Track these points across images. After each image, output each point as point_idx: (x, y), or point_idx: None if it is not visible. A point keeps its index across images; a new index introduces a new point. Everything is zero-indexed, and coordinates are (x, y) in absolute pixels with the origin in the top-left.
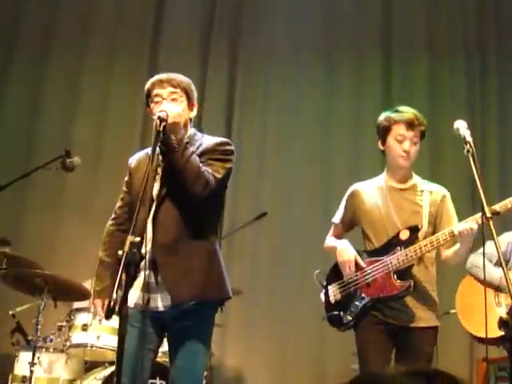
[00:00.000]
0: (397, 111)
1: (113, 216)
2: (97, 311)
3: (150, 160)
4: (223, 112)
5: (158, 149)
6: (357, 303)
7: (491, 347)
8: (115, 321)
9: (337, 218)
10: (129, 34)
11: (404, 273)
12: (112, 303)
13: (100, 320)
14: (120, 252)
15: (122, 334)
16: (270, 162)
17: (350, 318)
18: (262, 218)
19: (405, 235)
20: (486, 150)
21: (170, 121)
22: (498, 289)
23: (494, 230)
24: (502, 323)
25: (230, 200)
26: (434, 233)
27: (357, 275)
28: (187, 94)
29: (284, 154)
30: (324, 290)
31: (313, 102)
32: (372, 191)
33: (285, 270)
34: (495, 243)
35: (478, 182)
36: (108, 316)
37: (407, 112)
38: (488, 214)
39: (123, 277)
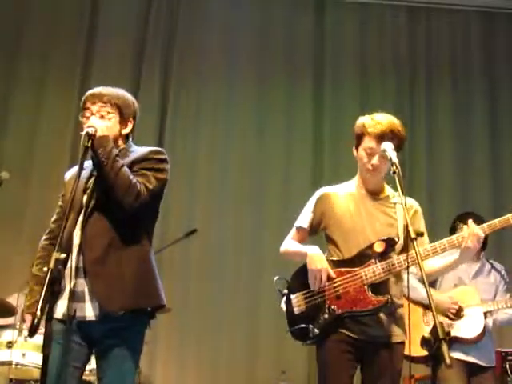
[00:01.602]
0: (372, 119)
1: (47, 230)
2: (26, 326)
3: (76, 177)
4: (155, 125)
5: (90, 161)
6: (326, 316)
7: (419, 365)
8: (41, 338)
9: (303, 222)
10: (62, 48)
11: (378, 287)
12: (36, 320)
13: (25, 337)
14: (45, 269)
15: (46, 352)
16: (202, 176)
17: (317, 331)
18: (192, 235)
19: (380, 247)
20: (414, 169)
21: (98, 134)
22: (427, 308)
23: (418, 251)
24: (425, 342)
25: (160, 216)
26: (405, 247)
27: (326, 286)
28: (119, 109)
29: (216, 169)
30: (285, 299)
31: (245, 119)
32: (343, 197)
33: (215, 287)
34: (419, 264)
35: (404, 202)
36: (31, 334)
37: (382, 123)
38: (412, 235)
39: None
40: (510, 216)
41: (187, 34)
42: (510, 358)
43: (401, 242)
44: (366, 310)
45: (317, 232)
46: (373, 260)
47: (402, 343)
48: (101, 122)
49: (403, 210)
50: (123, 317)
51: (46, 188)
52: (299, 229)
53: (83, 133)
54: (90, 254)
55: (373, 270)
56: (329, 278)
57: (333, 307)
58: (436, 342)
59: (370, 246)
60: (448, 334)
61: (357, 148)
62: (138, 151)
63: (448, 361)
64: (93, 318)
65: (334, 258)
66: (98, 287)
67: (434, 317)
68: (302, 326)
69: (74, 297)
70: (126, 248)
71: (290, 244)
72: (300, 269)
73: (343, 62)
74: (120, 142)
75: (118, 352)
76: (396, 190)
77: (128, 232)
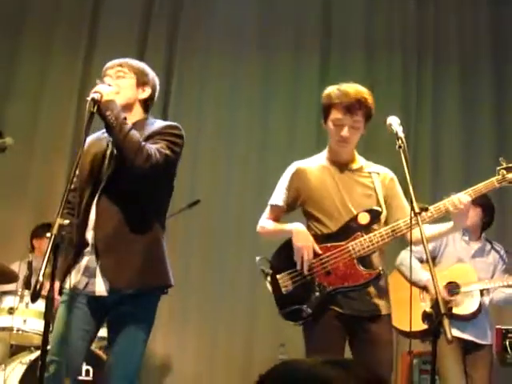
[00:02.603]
0: (338, 90)
1: (64, 201)
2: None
3: (82, 145)
4: (159, 100)
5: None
6: (317, 294)
7: (416, 341)
8: (42, 305)
9: (278, 199)
10: (66, 19)
11: (366, 260)
12: (38, 286)
13: (27, 303)
14: (48, 234)
15: (47, 319)
16: (206, 149)
17: (310, 310)
18: (195, 206)
19: (365, 219)
20: (419, 147)
21: (104, 99)
22: (424, 288)
23: (422, 226)
24: (426, 316)
25: None
26: (386, 217)
27: (312, 262)
28: (136, 74)
29: (220, 142)
30: (270, 280)
31: (251, 93)
32: (317, 170)
33: (217, 260)
34: (422, 240)
35: (408, 178)
36: (34, 299)
37: (348, 93)
38: (417, 210)
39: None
40: (495, 179)
41: (193, 8)
42: (510, 335)
43: (384, 212)
44: (359, 284)
45: (294, 208)
46: (359, 233)
47: (388, 315)
48: (107, 87)
49: (409, 185)
50: (134, 296)
51: (50, 156)
52: (275, 207)
53: (89, 98)
54: (102, 231)
55: (361, 243)
56: (316, 255)
57: (323, 284)
58: (438, 316)
59: (354, 219)
60: (450, 309)
61: (325, 120)
62: (154, 125)
63: (450, 336)
64: (103, 294)
65: (318, 233)
66: (108, 264)
67: (436, 291)
68: (294, 307)
69: (87, 271)
70: (138, 227)
71: (267, 223)
72: (282, 247)
73: (350, 40)
74: (138, 106)
75: (129, 321)
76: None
77: (141, 209)
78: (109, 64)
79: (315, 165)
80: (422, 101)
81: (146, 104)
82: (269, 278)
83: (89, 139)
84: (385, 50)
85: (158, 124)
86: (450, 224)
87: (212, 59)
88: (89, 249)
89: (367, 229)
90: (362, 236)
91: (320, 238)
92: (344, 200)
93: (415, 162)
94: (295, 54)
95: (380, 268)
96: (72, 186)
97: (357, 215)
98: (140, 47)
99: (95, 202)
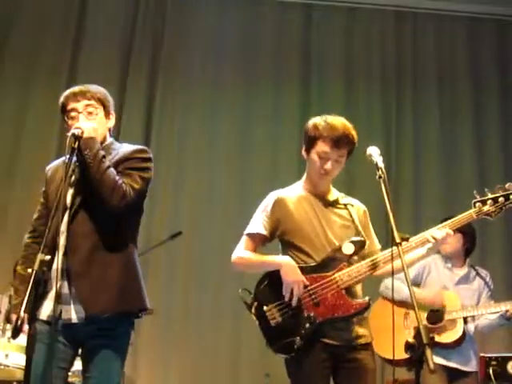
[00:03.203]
0: (326, 123)
1: (30, 228)
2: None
3: (64, 176)
4: (141, 127)
5: (74, 158)
6: (307, 325)
7: (401, 368)
8: (24, 339)
9: (258, 227)
10: (48, 49)
11: (350, 290)
12: (19, 321)
13: (9, 338)
14: (29, 270)
15: (29, 353)
16: (188, 179)
17: (301, 343)
18: (177, 238)
19: (349, 250)
20: (399, 177)
21: (84, 135)
22: (410, 307)
23: (403, 255)
24: (409, 347)
25: (146, 217)
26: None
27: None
28: (103, 104)
29: (202, 171)
30: (255, 312)
31: (232, 122)
32: (297, 200)
33: (200, 290)
34: (403, 267)
35: (389, 207)
36: (15, 335)
37: (337, 127)
38: (397, 240)
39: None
40: (473, 211)
41: (174, 34)
42: (493, 362)
43: (368, 242)
44: (349, 314)
45: (271, 239)
46: (344, 263)
47: (370, 344)
48: (88, 123)
49: (389, 215)
50: (108, 319)
51: (30, 188)
52: (256, 235)
53: (69, 134)
54: (75, 256)
55: (348, 274)
56: (304, 286)
57: (312, 315)
58: (420, 346)
59: (338, 249)
60: (432, 338)
61: (308, 151)
62: (121, 149)
63: (432, 366)
64: (77, 321)
65: (303, 265)
66: (82, 290)
67: (418, 321)
68: (288, 340)
69: (60, 299)
70: (111, 250)
71: (246, 253)
72: (263, 278)
73: (330, 67)
74: (107, 135)
75: (104, 352)
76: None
77: (113, 233)
78: (70, 94)
79: (294, 194)
80: (401, 130)
81: (110, 129)
82: (253, 311)
83: (52, 165)
84: (364, 79)
85: (125, 148)
86: (424, 248)
87: (193, 88)
88: (54, 275)
89: (351, 259)
90: (347, 267)
91: (305, 270)
92: (325, 231)
93: (396, 192)
94: (275, 86)
95: (367, 298)
96: (36, 215)
97: (341, 246)
98: (122, 75)
99: (65, 227)
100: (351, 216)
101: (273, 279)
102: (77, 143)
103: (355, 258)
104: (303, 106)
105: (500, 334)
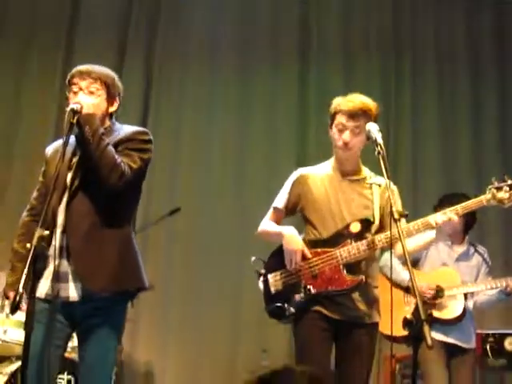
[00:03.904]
0: (343, 99)
1: (28, 206)
2: (8, 303)
3: (61, 153)
4: (139, 108)
5: (74, 138)
6: (302, 295)
7: (399, 345)
8: (23, 315)
9: (279, 202)
10: (44, 24)
11: (353, 267)
12: (18, 298)
13: (7, 314)
14: (28, 245)
15: (28, 330)
16: (185, 156)
17: (293, 310)
18: (176, 214)
19: (356, 228)
20: (398, 153)
21: (84, 112)
22: (407, 290)
23: (401, 232)
24: (406, 323)
25: (144, 194)
26: (381, 227)
27: (302, 265)
28: (107, 87)
29: (199, 149)
30: (262, 279)
31: (229, 98)
32: (320, 178)
33: (199, 267)
34: (402, 245)
35: (387, 183)
36: (13, 311)
37: (353, 101)
38: (396, 216)
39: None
40: (484, 198)
41: (171, 19)
42: (490, 339)
43: (376, 222)
44: (341, 289)
45: (293, 213)
46: (348, 240)
47: (376, 324)
48: (88, 99)
49: (387, 191)
50: (105, 297)
51: (29, 167)
52: (275, 209)
53: (68, 109)
54: (74, 235)
55: (348, 250)
56: (305, 258)
57: (308, 287)
58: (418, 322)
59: (346, 227)
60: (430, 314)
61: (331, 127)
62: (122, 131)
63: (429, 342)
64: (76, 299)
65: (312, 238)
66: (81, 268)
67: (415, 297)
68: (278, 304)
69: (58, 277)
70: (109, 229)
71: (265, 224)
72: (277, 249)
73: (328, 42)
74: (106, 120)
75: (100, 330)
76: (379, 170)
77: (111, 213)
78: (77, 71)
79: (320, 172)
80: (400, 107)
81: (111, 114)
82: (262, 278)
83: (54, 145)
84: (363, 54)
85: (125, 130)
86: (430, 235)
87: (190, 70)
88: (52, 253)
89: (358, 238)
90: (351, 244)
91: (312, 243)
92: (341, 209)
93: (395, 169)
94: (273, 66)
95: (362, 276)
96: (35, 194)
97: (349, 224)
98: (118, 56)
99: (64, 206)
100: (373, 196)
101: (281, 250)
102: (75, 118)
103: (368, 236)
104: (302, 82)
105: (497, 311)
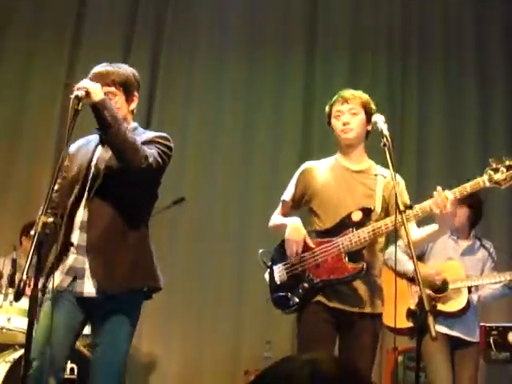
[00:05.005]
0: (339, 93)
1: (48, 201)
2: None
3: (66, 139)
4: (144, 100)
5: (96, 135)
6: (305, 285)
7: (401, 337)
8: (27, 302)
9: (286, 195)
10: (51, 18)
11: (356, 255)
12: (21, 285)
13: (11, 301)
14: (32, 232)
15: (31, 317)
16: (191, 149)
17: (297, 300)
18: (180, 204)
19: (357, 216)
20: (404, 145)
21: (95, 99)
22: (412, 280)
23: (406, 223)
24: (411, 314)
25: None
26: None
27: (305, 256)
28: (124, 87)
29: (205, 142)
30: (269, 270)
31: (236, 89)
32: (325, 170)
33: (202, 258)
34: (407, 236)
35: (393, 175)
36: (17, 298)
37: (346, 92)
38: (401, 208)
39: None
40: (481, 179)
41: (178, 9)
42: (494, 332)
43: (377, 210)
44: (343, 276)
45: (300, 206)
46: (350, 229)
47: (380, 314)
48: (94, 84)
49: (392, 182)
50: (121, 293)
51: (34, 156)
52: (283, 202)
53: (72, 96)
54: (91, 232)
55: (349, 238)
56: (309, 248)
57: (311, 276)
58: (422, 314)
59: (349, 216)
60: (434, 306)
61: (329, 122)
62: (145, 135)
63: (433, 333)
64: (91, 295)
65: (316, 229)
66: (98, 265)
67: (420, 289)
68: (282, 293)
69: (73, 272)
70: (127, 229)
71: (274, 218)
72: (282, 240)
73: (336, 35)
74: (129, 119)
75: (114, 320)
76: (386, 162)
77: (129, 213)
78: (95, 75)
79: (324, 165)
80: (407, 100)
81: (132, 111)
82: (268, 270)
83: (78, 142)
84: (370, 50)
85: (148, 134)
86: (436, 227)
87: (197, 60)
88: (73, 249)
89: (360, 226)
90: (352, 232)
91: (316, 234)
92: (345, 199)
93: (400, 161)
94: (280, 56)
95: (363, 263)
96: (56, 187)
97: (351, 213)
98: (125, 49)
99: (85, 203)
100: (376, 186)
101: None
102: (81, 105)
103: (371, 224)
104: (307, 76)
105: (501, 305)
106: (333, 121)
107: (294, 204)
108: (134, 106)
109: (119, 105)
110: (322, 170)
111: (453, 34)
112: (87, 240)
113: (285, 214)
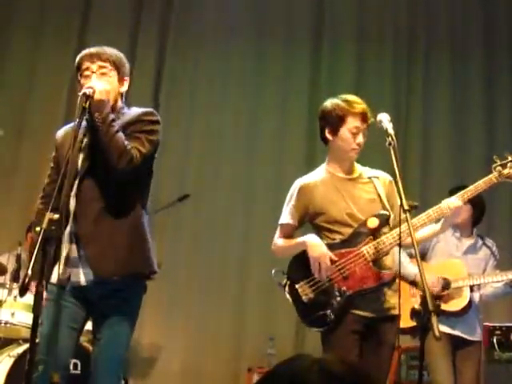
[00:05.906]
0: (347, 101)
1: (41, 194)
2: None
3: (73, 138)
4: (151, 92)
5: (84, 122)
6: (338, 299)
7: (404, 336)
8: (31, 298)
9: (287, 217)
10: (58, 7)
11: (379, 262)
12: (26, 280)
13: (15, 296)
14: (38, 229)
15: (36, 313)
16: (195, 143)
17: (333, 316)
18: (184, 201)
19: (373, 223)
20: (409, 144)
21: (96, 98)
22: (412, 283)
23: (410, 223)
24: (415, 313)
25: (153, 180)
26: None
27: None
28: (117, 68)
29: (210, 134)
30: (288, 290)
31: (242, 83)
32: (320, 184)
33: (206, 254)
34: (411, 236)
35: (398, 174)
36: (22, 293)
37: (360, 103)
38: (405, 207)
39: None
40: (493, 176)
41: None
42: (497, 332)
43: (392, 215)
44: (376, 285)
45: (302, 225)
46: (370, 237)
47: (398, 315)
48: (101, 84)
49: (397, 183)
50: (117, 281)
51: (39, 147)
52: (285, 225)
53: (80, 93)
54: (83, 220)
55: (374, 247)
56: (332, 262)
57: (343, 289)
58: (426, 313)
59: (364, 224)
60: (438, 306)
61: (335, 130)
62: (130, 113)
63: (437, 333)
64: (86, 283)
65: (330, 242)
66: (91, 253)
67: (424, 289)
68: (318, 314)
69: (69, 262)
70: (119, 214)
71: (280, 241)
72: (295, 257)
73: (342, 28)
74: (119, 101)
75: (115, 314)
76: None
77: (121, 197)
78: (86, 55)
79: (317, 179)
80: (412, 98)
81: (122, 95)
82: (287, 289)
83: (63, 129)
84: (375, 46)
85: (133, 111)
86: (438, 224)
87: (202, 57)
88: (66, 238)
89: (377, 232)
90: (373, 240)
91: (333, 246)
92: (351, 208)
93: (405, 159)
94: (286, 47)
95: (394, 269)
96: (48, 180)
97: (366, 220)
98: (130, 48)
99: (74, 192)
100: (376, 189)
101: (302, 258)
102: (88, 103)
103: (384, 230)
104: (314, 72)
105: (504, 304)
106: (346, 134)
107: (298, 225)
108: (124, 88)
109: (112, 82)
110: (318, 186)
111: (458, 26)
112: (79, 229)
113: (288, 237)
